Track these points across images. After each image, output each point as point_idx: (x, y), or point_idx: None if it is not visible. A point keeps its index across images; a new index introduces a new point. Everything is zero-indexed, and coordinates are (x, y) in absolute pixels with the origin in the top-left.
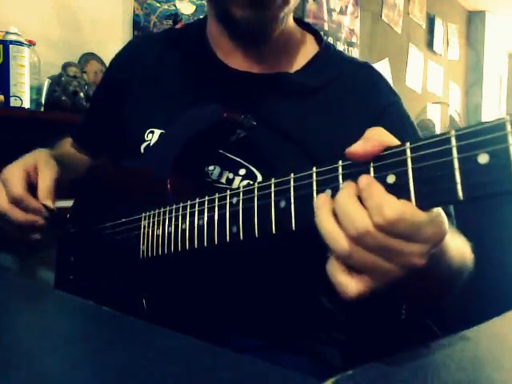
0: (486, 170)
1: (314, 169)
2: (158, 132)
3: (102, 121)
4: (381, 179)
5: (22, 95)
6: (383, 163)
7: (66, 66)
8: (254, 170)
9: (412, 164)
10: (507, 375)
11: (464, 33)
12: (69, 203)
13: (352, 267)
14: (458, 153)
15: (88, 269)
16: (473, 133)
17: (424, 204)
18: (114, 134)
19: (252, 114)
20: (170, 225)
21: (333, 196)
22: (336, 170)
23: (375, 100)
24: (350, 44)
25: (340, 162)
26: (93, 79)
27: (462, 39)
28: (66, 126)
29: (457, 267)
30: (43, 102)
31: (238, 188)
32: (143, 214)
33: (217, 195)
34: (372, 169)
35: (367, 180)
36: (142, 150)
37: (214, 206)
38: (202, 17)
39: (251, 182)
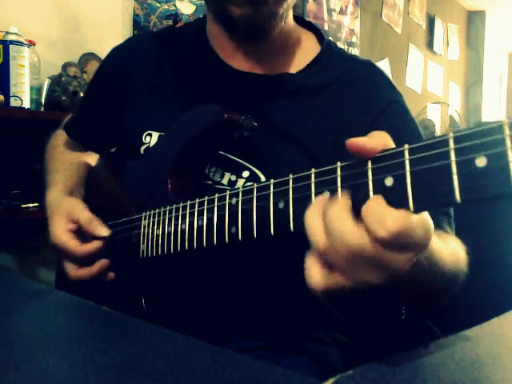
0: (484, 173)
1: (313, 170)
2: (156, 134)
3: (97, 117)
4: (379, 182)
5: (22, 95)
6: (381, 165)
7: (65, 66)
8: (257, 172)
9: (410, 166)
10: (507, 375)
11: (464, 33)
12: None
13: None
14: (456, 155)
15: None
16: (471, 135)
17: (421, 207)
18: (111, 130)
19: (255, 115)
20: (169, 225)
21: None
22: (334, 171)
23: (377, 98)
24: (350, 44)
25: (339, 164)
26: None
27: (461, 39)
28: None
29: (449, 271)
30: (43, 102)
31: (238, 188)
32: (143, 214)
33: (216, 195)
34: (370, 171)
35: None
36: (142, 152)
37: (214, 207)
38: (201, 16)
39: (255, 183)
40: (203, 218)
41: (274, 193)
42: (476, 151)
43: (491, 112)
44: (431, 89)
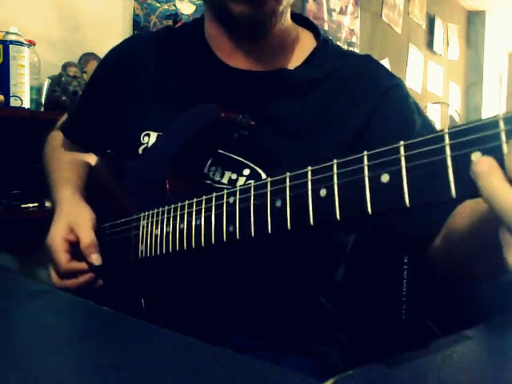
0: None
1: (309, 168)
2: (154, 135)
3: (95, 117)
4: (375, 178)
5: (22, 95)
6: (377, 162)
7: (65, 66)
8: (258, 169)
9: (405, 163)
10: (507, 375)
11: (464, 33)
12: None
13: None
14: (452, 151)
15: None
16: (466, 130)
17: (417, 203)
18: (109, 131)
19: (254, 112)
20: (168, 224)
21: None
22: (331, 168)
23: (375, 85)
24: (350, 44)
25: (335, 161)
26: None
27: (461, 39)
28: None
29: None
30: (43, 102)
31: (235, 187)
32: (142, 214)
33: (214, 194)
34: (366, 168)
35: None
36: (140, 152)
37: (211, 206)
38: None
39: (252, 182)
40: (201, 218)
41: (271, 191)
42: (471, 146)
43: (491, 112)
44: (431, 89)
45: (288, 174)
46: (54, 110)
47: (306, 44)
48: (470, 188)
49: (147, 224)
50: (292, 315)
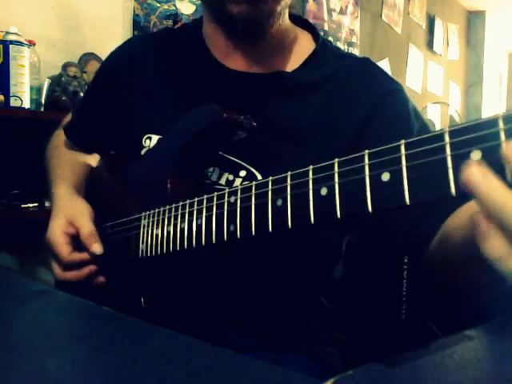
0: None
1: (311, 167)
2: (155, 138)
3: (96, 120)
4: (375, 177)
5: (22, 95)
6: (378, 161)
7: (65, 66)
8: (254, 171)
9: (406, 161)
10: (507, 375)
11: (464, 33)
12: None
13: None
14: (452, 149)
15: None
16: (466, 129)
17: (417, 201)
18: (111, 134)
19: (252, 114)
20: (169, 224)
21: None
22: (332, 167)
23: (374, 89)
24: (350, 44)
25: (336, 160)
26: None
27: (461, 39)
28: None
29: None
30: (43, 102)
31: (237, 187)
32: (143, 214)
33: (215, 194)
34: (367, 166)
35: None
36: (143, 154)
37: (212, 205)
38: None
39: (253, 181)
40: (202, 217)
41: (272, 190)
42: (471, 145)
43: (491, 112)
44: (431, 89)
45: (289, 172)
46: (53, 110)
47: (304, 45)
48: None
49: (148, 223)
50: (292, 315)
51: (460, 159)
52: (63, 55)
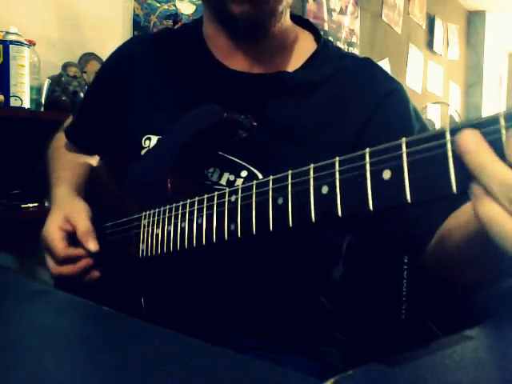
0: None
1: (312, 165)
2: (155, 138)
3: (97, 122)
4: (376, 175)
5: (22, 95)
6: (379, 159)
7: (65, 66)
8: (255, 171)
9: (407, 159)
10: (507, 375)
11: (464, 33)
12: None
13: None
14: (453, 147)
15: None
16: (467, 127)
17: (419, 199)
18: (111, 136)
19: (252, 114)
20: (169, 223)
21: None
22: (333, 165)
23: (374, 89)
24: (350, 44)
25: (337, 158)
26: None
27: (461, 39)
28: None
29: None
30: (43, 102)
31: (237, 186)
32: (143, 213)
33: (215, 193)
34: (368, 164)
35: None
36: (142, 154)
37: (213, 204)
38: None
39: (254, 180)
40: (203, 216)
41: (272, 189)
42: None
43: (491, 112)
44: (431, 89)
45: (290, 171)
46: (53, 109)
47: (305, 45)
48: (470, 184)
49: (148, 223)
50: (292, 315)
51: (461, 156)
52: (63, 55)
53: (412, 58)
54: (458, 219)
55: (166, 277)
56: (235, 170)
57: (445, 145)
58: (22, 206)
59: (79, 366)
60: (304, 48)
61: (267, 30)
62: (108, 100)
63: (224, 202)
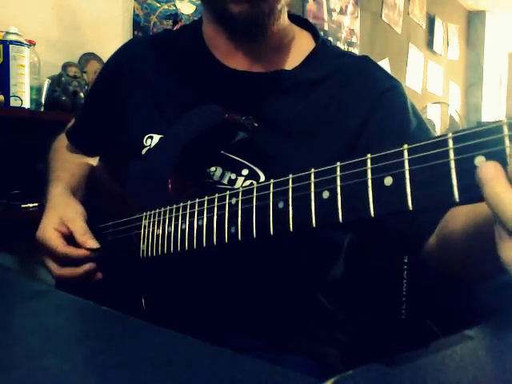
0: None
1: (312, 170)
2: (157, 137)
3: (98, 124)
4: (378, 181)
5: (22, 95)
6: (380, 165)
7: (65, 66)
8: (256, 169)
9: (409, 166)
10: (507, 375)
11: (464, 33)
12: None
13: None
14: (455, 155)
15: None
16: (470, 135)
17: (420, 206)
18: (112, 137)
19: (253, 113)
20: (169, 225)
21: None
22: (334, 171)
23: (373, 86)
24: (350, 44)
25: (338, 163)
26: (93, 79)
27: (461, 39)
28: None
29: None
30: (43, 102)
31: (238, 188)
32: (144, 214)
33: (216, 195)
34: (369, 170)
35: None
36: (143, 154)
37: (214, 207)
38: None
39: (254, 182)
40: (203, 218)
41: (273, 193)
42: (475, 151)
43: (491, 112)
44: (431, 89)
45: (291, 175)
46: (53, 109)
47: (303, 45)
48: (473, 193)
49: (149, 224)
50: (292, 315)
51: (464, 165)
52: (63, 55)
53: (412, 57)
54: (457, 214)
55: (167, 277)
56: (236, 169)
57: (447, 152)
58: (22, 206)
59: (79, 366)
60: (302, 47)
61: (266, 28)
62: (109, 101)
63: (224, 204)
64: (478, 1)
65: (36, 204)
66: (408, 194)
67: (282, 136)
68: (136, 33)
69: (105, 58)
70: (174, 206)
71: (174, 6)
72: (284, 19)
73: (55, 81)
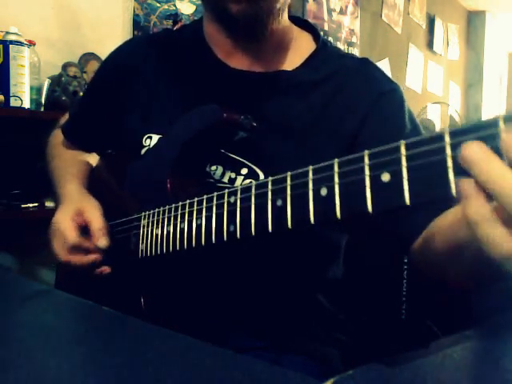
0: None
1: (311, 167)
2: (156, 137)
3: (95, 121)
4: (375, 177)
5: (22, 95)
6: (378, 161)
7: (66, 66)
8: (255, 168)
9: (406, 162)
10: (507, 375)
11: (464, 33)
12: None
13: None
14: (452, 149)
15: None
16: (466, 130)
17: (418, 201)
18: (109, 135)
19: (253, 112)
20: (168, 224)
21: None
22: (331, 168)
23: (372, 88)
24: (350, 44)
25: (336, 160)
26: None
27: (461, 39)
28: None
29: None
30: (43, 102)
31: (236, 187)
32: (143, 214)
33: (215, 194)
34: (367, 167)
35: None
36: (143, 154)
37: (212, 205)
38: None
39: (253, 181)
40: (202, 217)
41: (271, 190)
42: None
43: (491, 112)
44: (431, 89)
45: (289, 173)
46: (53, 109)
47: (304, 45)
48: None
49: (148, 223)
50: (292, 315)
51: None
52: (63, 55)
53: (412, 58)
54: (442, 221)
55: (166, 277)
56: (236, 168)
57: (444, 147)
58: (22, 205)
59: (79, 366)
60: (303, 48)
61: (266, 27)
62: (107, 99)
63: (223, 203)
64: (477, 1)
65: (36, 204)
66: (405, 190)
67: (282, 136)
68: (136, 33)
69: (105, 58)
70: (173, 205)
71: (174, 6)
72: (284, 19)
73: (55, 81)
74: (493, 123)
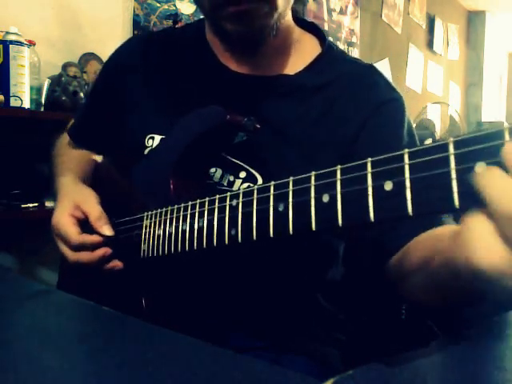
0: None
1: (313, 173)
2: (158, 138)
3: (99, 122)
4: (378, 186)
5: (22, 95)
6: (381, 169)
7: (66, 66)
8: (254, 172)
9: (409, 171)
10: (507, 375)
11: (464, 33)
12: None
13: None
14: (456, 160)
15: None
16: (471, 140)
17: (420, 212)
18: (114, 135)
19: (253, 116)
20: (170, 225)
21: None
22: (334, 174)
23: (374, 96)
24: (350, 44)
25: (339, 167)
26: (93, 79)
27: (461, 39)
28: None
29: None
30: (43, 102)
31: (238, 190)
32: (145, 214)
33: (217, 197)
34: (369, 175)
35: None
36: (146, 154)
37: (214, 208)
38: (201, 17)
39: (251, 185)
40: (203, 220)
41: (274, 195)
42: (476, 157)
43: (491, 112)
44: (431, 89)
45: (291, 178)
46: (53, 110)
47: (308, 48)
48: (473, 198)
49: (150, 224)
50: (292, 315)
51: (464, 170)
52: (63, 55)
53: (412, 57)
54: (423, 242)
55: (167, 277)
56: (234, 171)
57: (448, 158)
58: (22, 205)
59: (79, 366)
60: (307, 51)
61: (261, 43)
62: (111, 99)
63: (225, 206)
64: (477, 1)
65: (36, 204)
66: (408, 200)
67: (281, 140)
68: (136, 33)
69: (105, 58)
70: (176, 207)
71: (174, 6)
72: (287, 20)
73: (55, 81)
74: (498, 134)
